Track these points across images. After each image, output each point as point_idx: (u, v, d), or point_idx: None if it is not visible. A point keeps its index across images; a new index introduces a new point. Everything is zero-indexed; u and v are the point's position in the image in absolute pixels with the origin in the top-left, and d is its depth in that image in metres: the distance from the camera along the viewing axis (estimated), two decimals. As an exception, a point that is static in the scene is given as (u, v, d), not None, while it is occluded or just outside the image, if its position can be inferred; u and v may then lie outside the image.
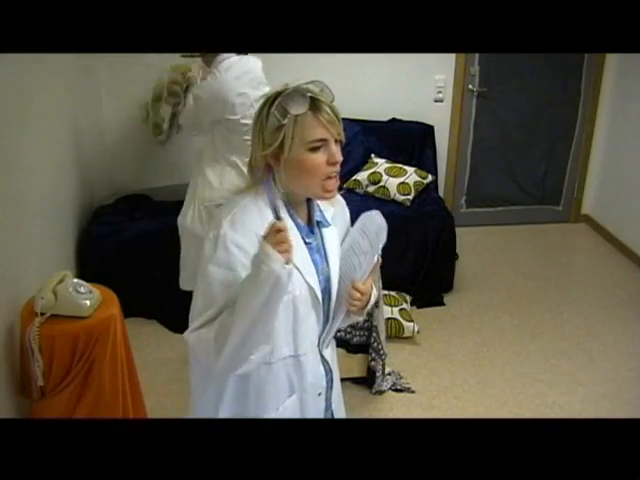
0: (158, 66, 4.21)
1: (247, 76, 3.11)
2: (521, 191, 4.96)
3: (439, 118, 4.64)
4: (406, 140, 4.44)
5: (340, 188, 1.52)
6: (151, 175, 4.39)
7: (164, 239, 3.65)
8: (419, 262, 3.86)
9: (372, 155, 4.32)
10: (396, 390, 3.08)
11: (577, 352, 3.42)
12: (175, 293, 3.67)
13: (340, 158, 1.41)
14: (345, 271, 1.54)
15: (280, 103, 1.36)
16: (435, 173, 4.42)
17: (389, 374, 3.11)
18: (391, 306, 3.48)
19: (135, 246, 3.64)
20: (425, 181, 4.15)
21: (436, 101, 4.65)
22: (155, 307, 3.68)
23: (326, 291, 1.52)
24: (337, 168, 1.42)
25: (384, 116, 4.51)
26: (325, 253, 1.54)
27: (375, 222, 1.52)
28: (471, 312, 3.80)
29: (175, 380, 3.11)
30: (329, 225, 1.56)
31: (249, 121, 3.18)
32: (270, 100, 1.40)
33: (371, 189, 4.10)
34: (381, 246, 1.50)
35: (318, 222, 1.54)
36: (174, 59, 4.20)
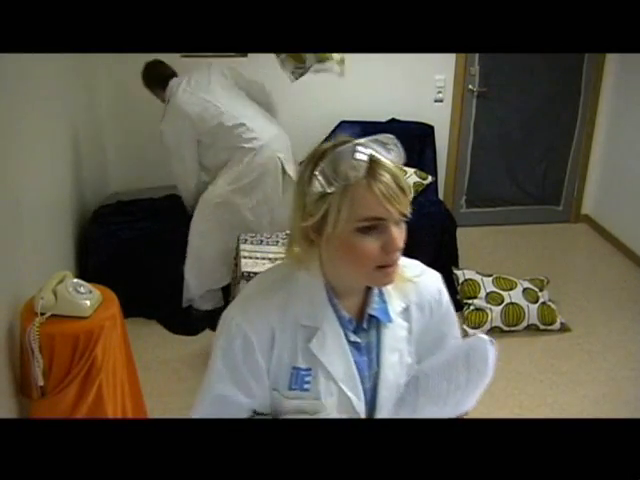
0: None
1: (193, 83, 3.26)
2: (521, 191, 4.96)
3: (439, 118, 4.63)
4: (406, 140, 4.38)
5: None
6: (151, 175, 4.38)
7: (164, 239, 3.65)
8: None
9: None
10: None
11: (577, 352, 3.42)
12: (175, 293, 3.68)
13: (401, 245, 1.09)
14: (424, 390, 1.17)
15: (327, 164, 1.07)
16: (435, 174, 4.42)
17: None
18: None
19: (135, 246, 3.64)
20: (425, 182, 4.14)
21: (436, 101, 4.65)
22: (155, 307, 3.67)
23: (371, 403, 1.18)
24: (396, 256, 1.10)
25: (384, 116, 4.51)
26: (378, 356, 1.20)
27: (483, 358, 1.13)
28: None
29: (175, 380, 3.11)
30: (391, 321, 1.21)
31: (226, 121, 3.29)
32: (317, 157, 1.10)
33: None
34: (480, 389, 1.13)
35: (372, 316, 1.21)
36: (174, 59, 4.22)
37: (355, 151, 1.05)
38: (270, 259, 3.06)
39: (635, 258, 4.39)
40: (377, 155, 1.07)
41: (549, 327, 3.57)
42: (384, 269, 1.10)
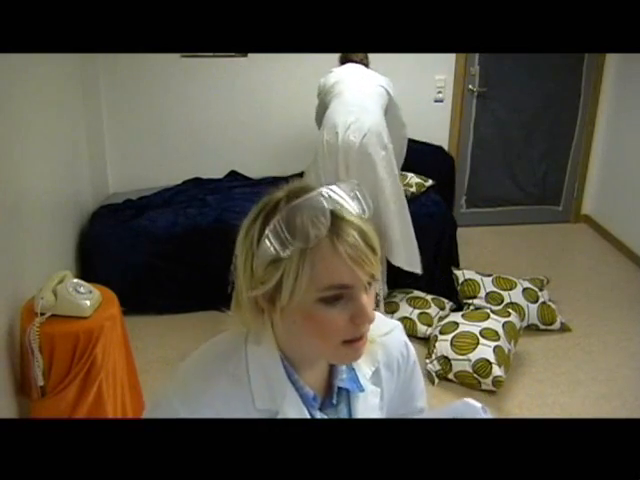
0: (160, 63, 4.23)
1: None
2: (521, 191, 4.96)
3: (439, 118, 4.64)
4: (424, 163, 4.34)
5: None
6: (151, 175, 4.39)
7: (164, 239, 3.66)
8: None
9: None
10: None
11: (577, 352, 3.42)
12: (176, 293, 3.68)
13: (372, 315, 0.90)
14: None
15: (279, 222, 0.86)
16: (451, 202, 4.42)
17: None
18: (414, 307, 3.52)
19: (135, 246, 3.64)
20: (427, 184, 4.13)
21: (436, 101, 4.66)
22: (155, 307, 3.67)
23: None
24: (366, 328, 0.92)
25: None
26: None
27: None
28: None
29: (175, 380, 3.10)
30: (363, 390, 1.03)
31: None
32: (267, 211, 0.90)
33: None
34: None
35: (341, 389, 1.03)
36: (175, 58, 4.22)
37: (314, 204, 0.86)
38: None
39: (635, 258, 4.40)
40: (340, 208, 0.87)
41: (549, 327, 3.57)
42: (352, 344, 0.91)
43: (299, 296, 0.87)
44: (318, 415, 0.99)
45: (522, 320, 3.47)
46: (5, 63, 2.44)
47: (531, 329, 3.56)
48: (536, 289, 3.65)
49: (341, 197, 0.88)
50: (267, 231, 0.86)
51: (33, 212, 2.77)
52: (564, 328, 3.58)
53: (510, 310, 3.44)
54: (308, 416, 0.97)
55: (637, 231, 4.40)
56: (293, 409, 0.96)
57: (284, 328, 0.93)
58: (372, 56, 4.21)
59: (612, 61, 4.65)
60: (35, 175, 2.84)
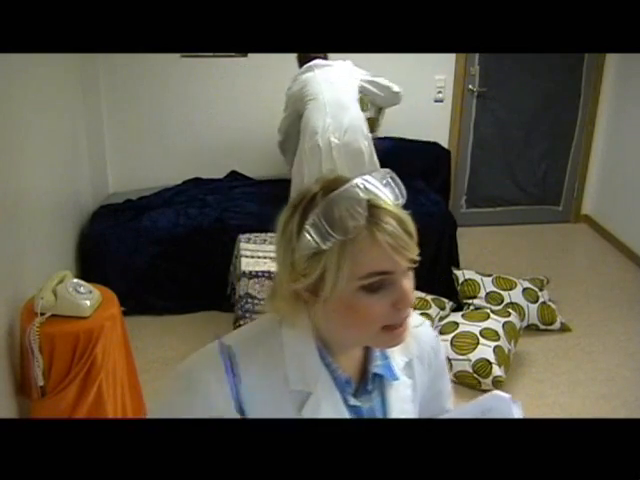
0: (160, 63, 4.23)
1: None
2: (521, 191, 4.96)
3: (439, 118, 4.64)
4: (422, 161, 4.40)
5: None
6: (151, 175, 4.39)
7: (164, 239, 3.66)
8: (420, 266, 3.83)
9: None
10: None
11: (577, 352, 3.42)
12: (176, 293, 3.68)
13: (413, 299, 0.93)
14: None
15: (318, 216, 0.88)
16: (447, 197, 4.43)
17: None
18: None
19: (135, 246, 3.64)
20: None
21: (436, 101, 4.66)
22: (155, 307, 3.67)
23: None
24: (407, 313, 0.93)
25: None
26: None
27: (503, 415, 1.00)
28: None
29: (175, 380, 3.10)
30: (397, 378, 1.04)
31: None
32: (304, 204, 0.91)
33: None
34: None
35: (376, 375, 1.04)
36: (175, 58, 4.22)
37: (350, 196, 0.88)
38: (272, 258, 3.06)
39: (635, 258, 4.40)
40: (376, 197, 0.89)
41: (549, 327, 3.57)
42: (393, 331, 0.93)
43: (341, 286, 0.89)
44: (352, 401, 1.00)
45: (522, 320, 3.47)
46: (5, 63, 2.44)
47: (531, 329, 3.56)
48: (536, 289, 3.65)
49: (375, 186, 0.90)
50: (307, 225, 0.88)
51: (33, 212, 2.77)
52: (564, 328, 3.58)
53: (510, 310, 3.44)
54: (341, 400, 0.98)
55: (637, 231, 4.40)
56: (326, 392, 0.97)
57: (324, 316, 0.95)
58: (372, 56, 4.21)
59: (612, 61, 4.65)
60: (35, 175, 2.84)
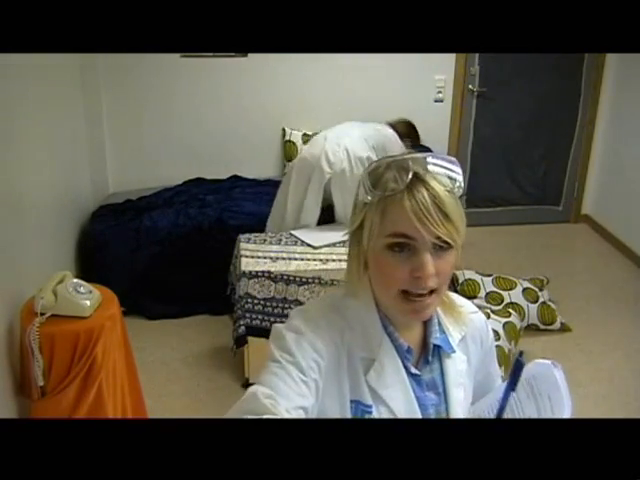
0: (160, 63, 4.23)
1: None
2: (521, 191, 4.97)
3: (439, 118, 4.64)
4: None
5: None
6: (150, 175, 4.39)
7: (164, 239, 3.66)
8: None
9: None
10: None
11: (577, 352, 3.42)
12: (176, 293, 3.68)
13: (431, 271, 0.96)
14: None
15: (372, 173, 1.00)
16: None
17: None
18: None
19: (135, 246, 3.64)
20: None
21: (436, 101, 4.66)
22: (155, 307, 3.67)
23: None
24: (425, 285, 0.97)
25: (384, 116, 4.51)
26: (445, 392, 1.10)
27: (551, 383, 1.00)
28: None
29: (175, 380, 3.11)
30: (453, 351, 1.11)
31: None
32: (372, 167, 1.04)
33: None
34: (563, 415, 0.97)
35: (436, 347, 1.11)
36: (175, 58, 4.22)
37: (402, 164, 0.97)
38: (272, 258, 3.06)
39: (635, 258, 4.40)
40: (425, 173, 0.96)
41: (549, 327, 3.57)
42: (411, 300, 0.99)
43: (373, 240, 0.99)
44: (413, 369, 1.07)
45: (522, 320, 3.47)
46: (5, 63, 2.44)
47: (531, 329, 3.56)
48: (536, 289, 3.65)
49: (435, 165, 0.98)
50: (363, 179, 1.00)
51: (33, 212, 2.77)
52: (564, 328, 3.58)
53: (510, 310, 3.44)
54: (402, 368, 1.05)
55: (637, 231, 4.40)
56: (388, 359, 1.04)
57: (373, 280, 1.04)
58: (372, 56, 4.21)
59: (612, 61, 4.65)
60: (35, 175, 2.84)
